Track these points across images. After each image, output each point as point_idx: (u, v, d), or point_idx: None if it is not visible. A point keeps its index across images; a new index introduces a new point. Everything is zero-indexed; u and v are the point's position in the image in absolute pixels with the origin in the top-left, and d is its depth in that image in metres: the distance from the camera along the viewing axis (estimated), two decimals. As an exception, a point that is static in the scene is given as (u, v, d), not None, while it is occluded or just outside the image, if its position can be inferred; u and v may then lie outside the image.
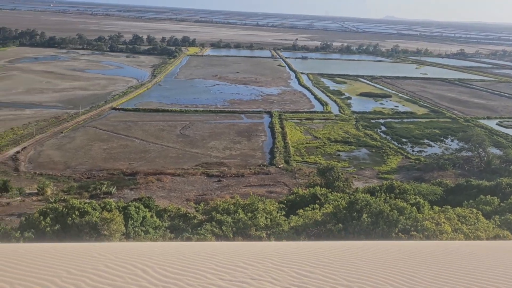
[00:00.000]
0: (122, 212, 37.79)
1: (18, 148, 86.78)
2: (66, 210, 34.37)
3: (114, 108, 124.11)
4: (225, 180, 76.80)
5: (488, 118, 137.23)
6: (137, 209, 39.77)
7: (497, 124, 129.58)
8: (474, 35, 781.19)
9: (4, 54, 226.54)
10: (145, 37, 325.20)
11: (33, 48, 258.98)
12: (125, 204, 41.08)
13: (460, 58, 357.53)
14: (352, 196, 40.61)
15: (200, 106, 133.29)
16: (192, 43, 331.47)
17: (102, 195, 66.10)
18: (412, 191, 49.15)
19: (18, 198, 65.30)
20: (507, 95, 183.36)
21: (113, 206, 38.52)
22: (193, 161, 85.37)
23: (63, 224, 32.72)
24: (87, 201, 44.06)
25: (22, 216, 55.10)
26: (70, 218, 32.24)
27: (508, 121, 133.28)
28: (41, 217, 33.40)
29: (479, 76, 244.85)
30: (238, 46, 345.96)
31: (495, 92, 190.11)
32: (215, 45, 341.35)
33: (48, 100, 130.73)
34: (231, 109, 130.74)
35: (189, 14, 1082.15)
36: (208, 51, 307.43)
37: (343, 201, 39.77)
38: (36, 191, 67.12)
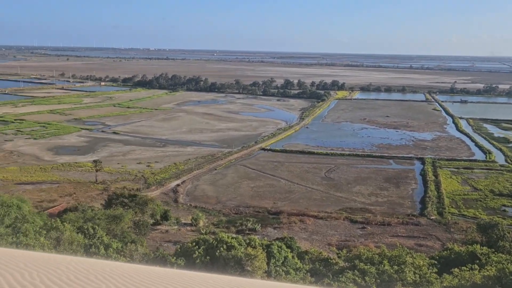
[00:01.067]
0: (265, 250, 38.39)
1: (178, 181, 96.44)
2: (215, 242, 36.28)
3: (263, 149, 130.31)
4: (369, 227, 73.23)
5: None
6: (280, 249, 40.02)
7: None
8: None
9: (174, 98, 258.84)
10: (295, 81, 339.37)
11: (197, 93, 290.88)
12: (268, 242, 41.78)
13: None
14: (523, 261, 34.65)
15: (346, 149, 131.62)
16: (341, 87, 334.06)
17: (247, 231, 68.70)
18: None
19: (175, 227, 71.79)
20: None
21: (257, 243, 39.44)
22: (336, 205, 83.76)
23: (212, 256, 34.52)
24: (234, 235, 46.12)
25: (177, 243, 60.14)
26: (218, 251, 33.83)
27: None
28: (195, 246, 35.84)
29: None
30: (388, 89, 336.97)
31: None
32: (364, 88, 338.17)
33: (206, 139, 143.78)
34: (379, 154, 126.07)
35: (339, 59, 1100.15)
36: (357, 95, 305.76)
37: (510, 264, 34.14)
38: (190, 222, 73.05)
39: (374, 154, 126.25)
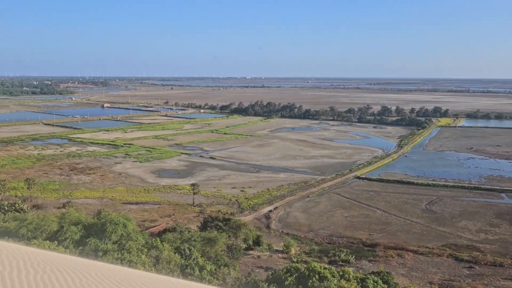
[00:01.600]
0: (360, 284, 36.37)
1: (271, 207, 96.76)
2: (307, 272, 35.20)
3: (358, 177, 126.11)
4: (478, 267, 66.29)
5: None
6: (375, 284, 37.67)
7: None
8: None
9: (268, 125, 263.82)
10: (393, 108, 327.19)
11: (291, 119, 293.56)
12: (363, 276, 39.59)
13: None
14: None
15: (450, 180, 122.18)
16: (444, 114, 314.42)
17: (340, 262, 66.17)
18: None
19: (267, 253, 71.60)
20: None
21: (351, 276, 37.55)
22: (439, 240, 77.42)
23: (304, 285, 33.46)
24: (327, 266, 44.50)
25: (268, 270, 59.74)
26: (310, 281, 32.73)
27: None
28: (287, 274, 35.12)
29: None
30: (499, 116, 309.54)
31: None
32: (471, 115, 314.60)
33: (299, 166, 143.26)
34: (489, 186, 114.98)
35: (442, 84, 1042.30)
36: (462, 122, 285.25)
37: None
38: (282, 249, 72.38)
39: (483, 186, 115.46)
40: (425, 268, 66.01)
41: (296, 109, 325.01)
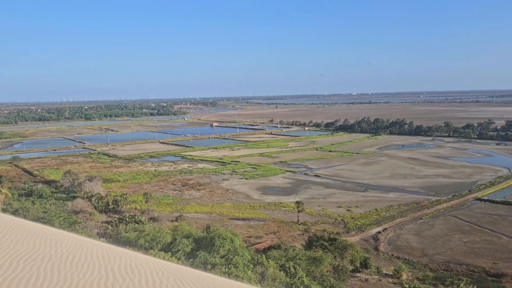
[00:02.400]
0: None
1: (379, 229, 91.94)
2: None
3: (479, 199, 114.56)
4: None
5: None
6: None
7: None
8: None
9: (375, 142, 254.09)
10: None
11: (400, 136, 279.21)
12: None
13: None
14: None
15: None
16: None
17: (460, 293, 59.94)
18: None
19: (376, 276, 67.73)
20: None
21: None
22: None
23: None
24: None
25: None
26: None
27: None
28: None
29: None
30: None
31: None
32: None
33: (410, 185, 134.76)
34: None
35: None
36: None
37: None
38: (391, 273, 67.94)
39: None
40: None
41: (406, 125, 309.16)
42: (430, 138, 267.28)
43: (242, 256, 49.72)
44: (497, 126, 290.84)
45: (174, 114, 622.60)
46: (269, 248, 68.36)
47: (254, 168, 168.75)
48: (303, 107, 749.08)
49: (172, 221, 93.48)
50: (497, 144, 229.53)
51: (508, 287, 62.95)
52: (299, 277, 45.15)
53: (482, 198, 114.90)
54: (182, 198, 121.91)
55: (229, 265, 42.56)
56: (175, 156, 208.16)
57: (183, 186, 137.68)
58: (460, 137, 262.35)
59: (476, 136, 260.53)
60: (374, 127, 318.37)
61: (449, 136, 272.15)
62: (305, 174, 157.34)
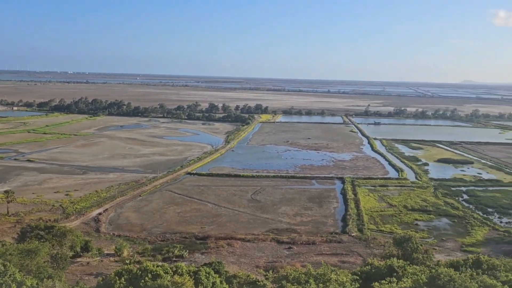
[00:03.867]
0: (193, 277, 37.95)
1: (100, 210, 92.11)
2: (140, 272, 35.21)
3: (189, 173, 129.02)
4: (295, 247, 74.98)
5: None
6: (208, 275, 39.75)
7: None
8: None
9: (94, 123, 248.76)
10: (220, 105, 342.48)
11: (119, 117, 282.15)
12: (196, 269, 41.30)
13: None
14: (434, 270, 37.62)
15: (271, 171, 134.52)
16: (265, 111, 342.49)
17: (174, 258, 67.14)
18: (503, 267, 44.42)
19: (97, 258, 68.21)
20: None
21: (184, 271, 38.86)
22: (263, 227, 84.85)
23: (136, 286, 33.40)
24: (160, 264, 44.94)
25: (99, 276, 57.24)
26: (143, 281, 32.90)
27: None
28: (116, 278, 34.44)
29: None
30: (309, 112, 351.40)
31: None
32: (286, 112, 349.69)
33: (130, 164, 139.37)
34: (302, 175, 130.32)
35: (262, 83, 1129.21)
36: (280, 118, 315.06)
37: (423, 275, 36.93)
38: (113, 252, 69.82)
39: (297, 175, 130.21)
40: (252, 254, 71.75)
41: (124, 106, 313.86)
42: (147, 118, 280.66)
43: None
44: (203, 108, 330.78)
45: None
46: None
47: None
48: (10, 84, 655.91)
49: None
50: (203, 124, 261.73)
51: (212, 246, 74.21)
52: (10, 275, 41.35)
53: (192, 172, 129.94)
54: None
55: None
56: None
57: None
58: (173, 118, 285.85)
59: (186, 117, 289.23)
60: (93, 108, 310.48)
61: (163, 117, 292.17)
62: (15, 159, 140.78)
